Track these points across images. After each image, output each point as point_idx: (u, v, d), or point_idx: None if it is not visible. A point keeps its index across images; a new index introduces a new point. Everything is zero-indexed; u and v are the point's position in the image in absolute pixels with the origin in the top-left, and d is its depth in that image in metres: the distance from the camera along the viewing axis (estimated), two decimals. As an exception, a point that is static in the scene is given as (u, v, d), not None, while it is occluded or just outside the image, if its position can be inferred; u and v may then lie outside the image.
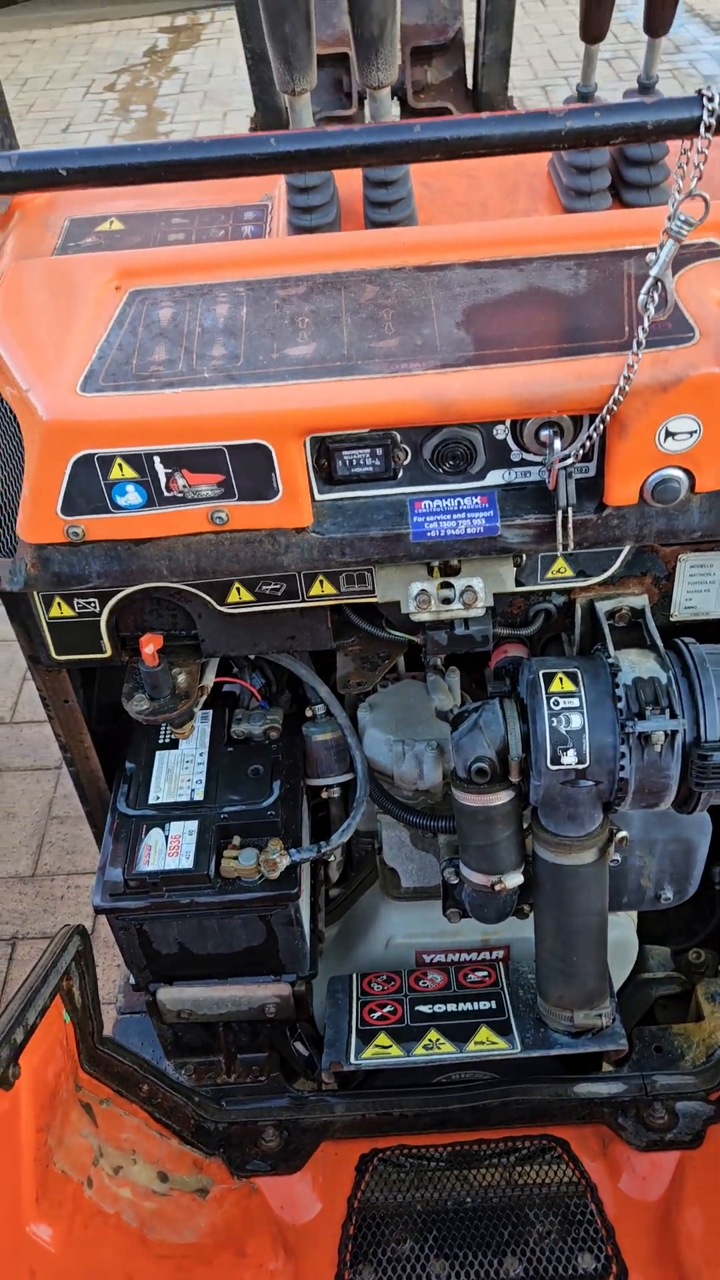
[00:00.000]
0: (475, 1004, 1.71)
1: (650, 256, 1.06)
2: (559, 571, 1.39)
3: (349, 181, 1.34)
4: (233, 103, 6.39)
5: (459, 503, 1.22)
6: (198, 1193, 1.80)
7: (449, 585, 1.32)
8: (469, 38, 2.45)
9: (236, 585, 1.35)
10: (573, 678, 1.40)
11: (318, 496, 1.22)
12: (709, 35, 6.47)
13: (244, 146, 0.99)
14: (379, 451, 1.19)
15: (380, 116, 1.23)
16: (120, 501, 1.17)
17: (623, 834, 1.50)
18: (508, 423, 1.18)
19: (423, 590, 1.31)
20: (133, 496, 1.17)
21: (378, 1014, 1.71)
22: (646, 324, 1.06)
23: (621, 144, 1.00)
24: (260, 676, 1.74)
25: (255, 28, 2.19)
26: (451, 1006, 1.71)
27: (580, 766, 1.37)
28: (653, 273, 1.06)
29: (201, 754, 1.71)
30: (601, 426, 1.12)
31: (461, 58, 2.51)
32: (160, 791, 1.66)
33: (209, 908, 1.57)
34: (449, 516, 1.21)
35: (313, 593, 1.37)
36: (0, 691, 3.41)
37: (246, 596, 1.36)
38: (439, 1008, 1.72)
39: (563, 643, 1.59)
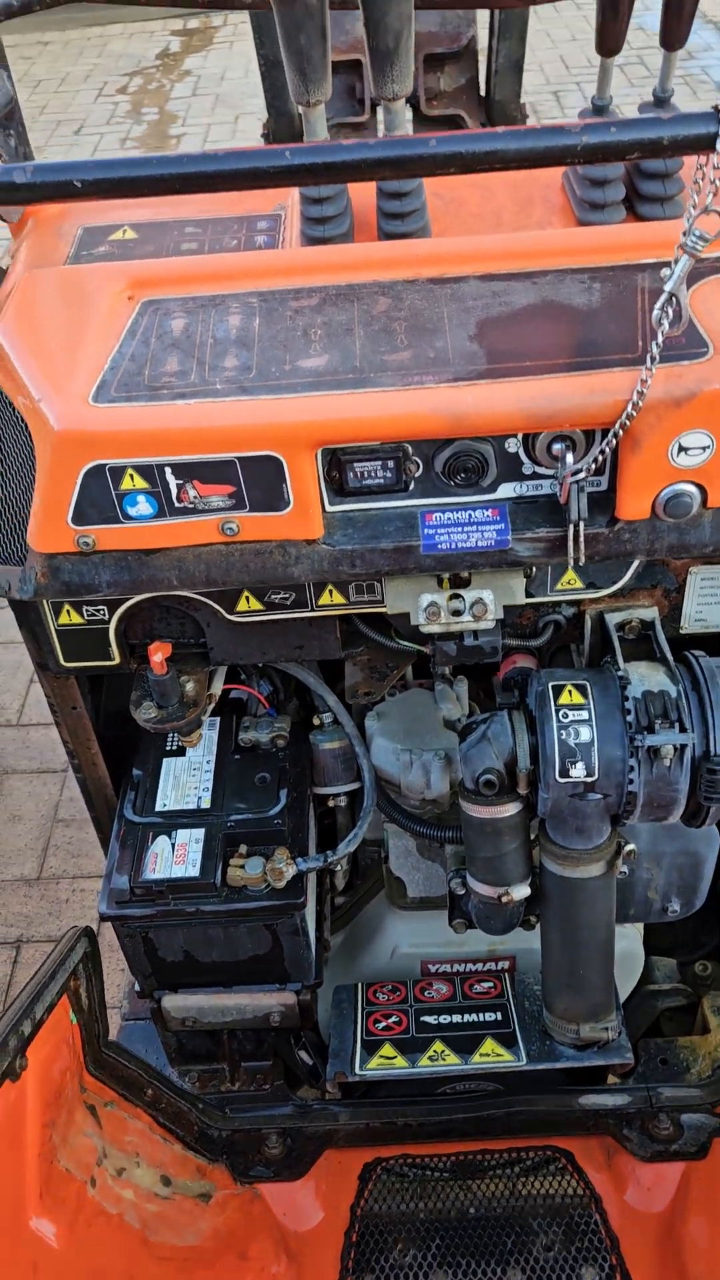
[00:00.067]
0: (480, 1015, 1.71)
1: (665, 272, 1.05)
2: (569, 583, 1.38)
3: (363, 191, 1.34)
4: (245, 106, 6.40)
5: (470, 515, 1.21)
6: (200, 1197, 1.80)
7: (459, 597, 1.32)
8: (482, 45, 2.45)
9: (245, 594, 1.35)
10: (582, 690, 1.40)
11: (328, 508, 1.22)
12: (722, 41, 6.47)
13: (259, 159, 0.99)
14: (390, 464, 1.19)
15: (395, 128, 1.23)
16: (131, 512, 1.17)
17: (630, 847, 1.50)
18: (520, 436, 1.18)
19: (432, 602, 1.31)
20: (144, 507, 1.17)
21: (383, 1024, 1.71)
22: (660, 339, 1.06)
23: (637, 160, 0.99)
24: (267, 683, 1.74)
25: (269, 34, 2.19)
26: (457, 1018, 1.71)
27: (589, 780, 1.37)
28: (667, 288, 1.05)
29: (208, 762, 1.71)
30: (614, 441, 1.12)
31: (474, 65, 2.52)
32: (167, 799, 1.66)
33: (215, 916, 1.57)
34: (460, 529, 1.21)
35: (322, 602, 1.36)
36: (7, 694, 3.41)
37: (255, 605, 1.36)
38: (444, 1019, 1.71)
39: (571, 653, 1.59)
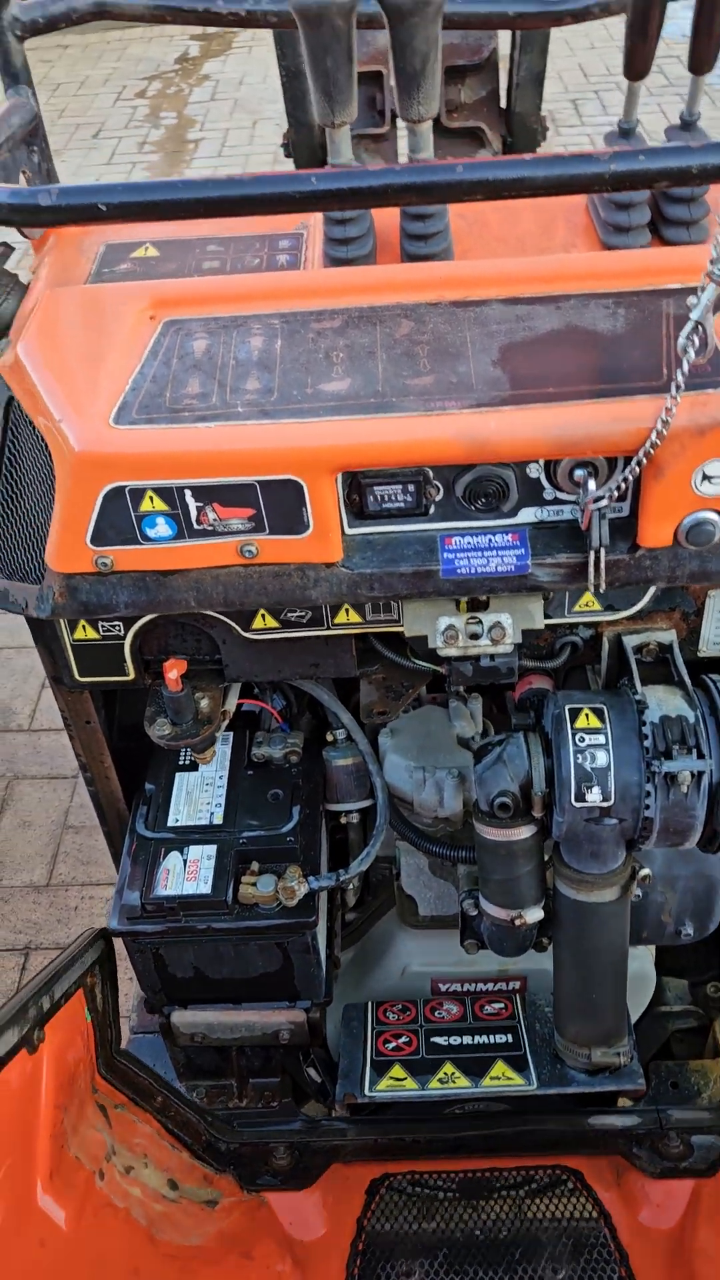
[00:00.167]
0: (491, 1037, 1.70)
1: (691, 300, 1.05)
2: (586, 605, 1.37)
3: (386, 211, 1.33)
4: (263, 111, 6.40)
5: (490, 540, 1.21)
6: (206, 1203, 1.80)
7: (477, 620, 1.31)
8: (503, 55, 2.45)
9: (261, 612, 1.34)
10: (599, 714, 1.39)
11: (348, 530, 1.22)
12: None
13: (285, 185, 0.98)
14: (411, 488, 1.18)
15: (420, 150, 1.23)
16: (150, 533, 1.17)
17: (645, 871, 1.49)
18: (541, 461, 1.17)
19: (450, 625, 1.30)
20: (163, 529, 1.16)
21: (393, 1045, 1.70)
22: (686, 367, 1.05)
23: (665, 188, 0.98)
24: (281, 698, 1.74)
25: (290, 45, 2.19)
26: (467, 1039, 1.70)
27: (605, 804, 1.36)
28: (693, 316, 1.04)
29: (221, 777, 1.70)
30: (637, 469, 1.11)
31: (495, 78, 2.51)
32: (179, 814, 1.65)
33: (226, 934, 1.56)
34: (480, 554, 1.20)
35: (338, 621, 1.36)
36: (19, 699, 3.42)
37: (271, 623, 1.36)
38: (454, 1040, 1.70)
39: (586, 674, 1.58)
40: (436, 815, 1.63)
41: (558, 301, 1.18)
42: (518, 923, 1.52)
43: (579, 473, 1.16)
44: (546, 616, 1.37)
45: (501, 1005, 1.76)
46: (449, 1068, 1.65)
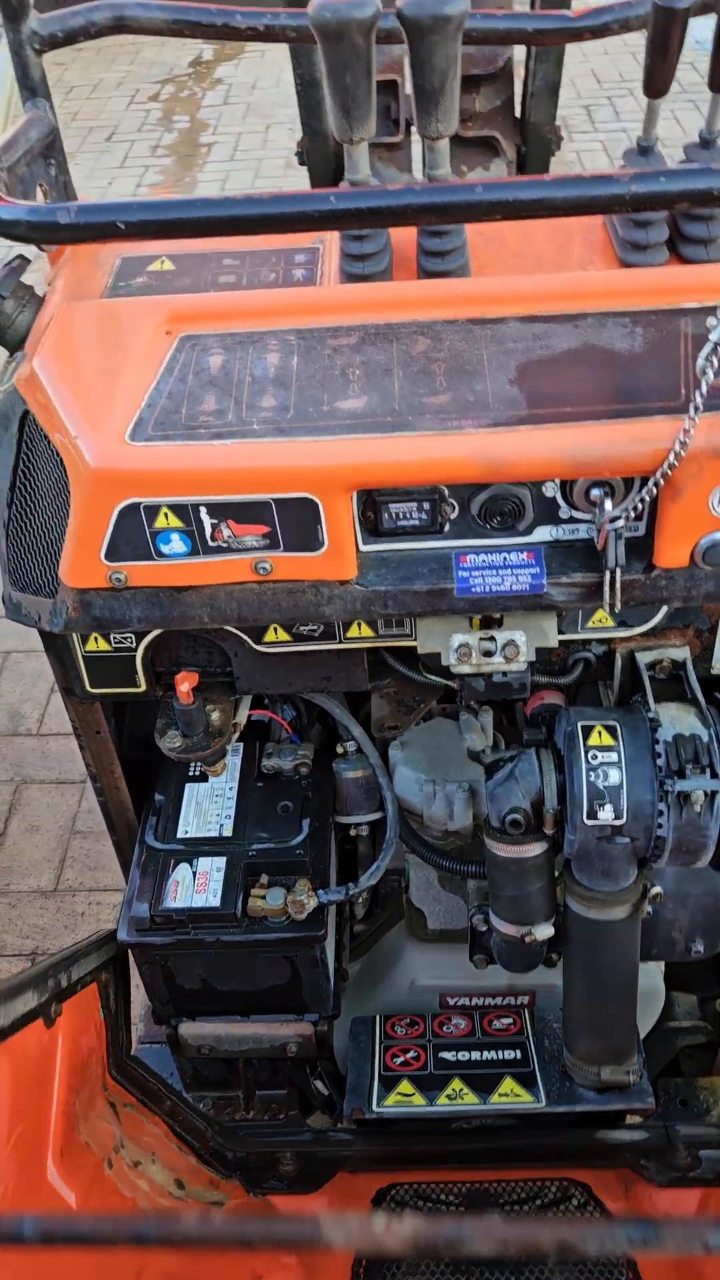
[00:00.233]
0: (500, 1053, 1.69)
1: (711, 321, 1.04)
2: (600, 621, 1.37)
3: (402, 227, 1.33)
4: (276, 115, 6.40)
5: (505, 558, 1.20)
6: (213, 1204, 1.80)
7: (491, 638, 1.30)
8: (518, 62, 2.44)
9: (274, 625, 1.34)
10: (612, 731, 1.38)
11: (362, 547, 1.21)
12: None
13: (304, 204, 0.98)
14: (426, 505, 1.18)
15: (437, 167, 1.22)
16: (164, 550, 1.17)
17: (656, 890, 1.48)
18: (557, 480, 1.17)
19: (464, 643, 1.30)
20: (177, 545, 1.16)
21: (401, 1059, 1.69)
22: (705, 388, 1.05)
23: (687, 209, 0.98)
24: (290, 708, 1.74)
25: (305, 54, 2.19)
26: (476, 1055, 1.70)
27: (617, 823, 1.35)
28: (712, 338, 1.04)
29: (231, 788, 1.70)
30: (655, 490, 1.11)
31: (510, 87, 2.50)
32: (189, 825, 1.65)
33: (234, 947, 1.56)
34: (494, 572, 1.20)
35: (350, 635, 1.36)
36: (28, 703, 3.42)
37: (283, 636, 1.36)
38: (463, 1055, 1.70)
39: (598, 688, 1.57)
40: (446, 829, 1.63)
41: (575, 320, 1.18)
42: (528, 939, 1.51)
43: (595, 492, 1.15)
44: (560, 633, 1.36)
45: (510, 1020, 1.75)
46: (457, 1084, 1.64)
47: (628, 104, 6.09)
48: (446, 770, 1.65)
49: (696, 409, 1.06)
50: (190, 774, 1.72)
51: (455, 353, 1.16)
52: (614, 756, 1.36)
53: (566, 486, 1.17)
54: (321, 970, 1.62)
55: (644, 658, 1.46)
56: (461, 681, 1.42)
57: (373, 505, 1.19)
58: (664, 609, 1.34)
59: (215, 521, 1.15)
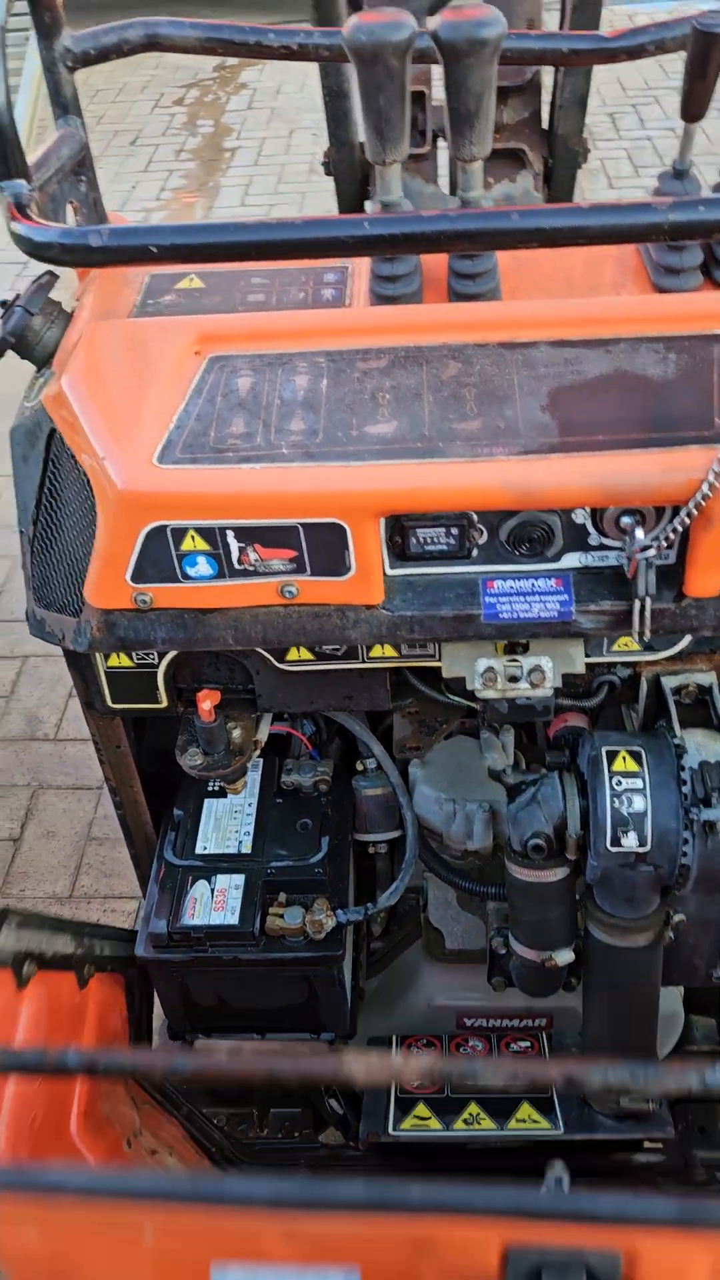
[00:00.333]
0: (517, 1077, 1.67)
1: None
2: (625, 645, 1.35)
3: None
4: (300, 121, 6.40)
5: (533, 585, 1.19)
6: None
7: (516, 663, 1.29)
8: (546, 77, 2.43)
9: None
10: (637, 757, 1.36)
11: (389, 571, 1.20)
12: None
13: (337, 229, 0.97)
14: (454, 531, 1.17)
15: (470, 188, 1.21)
16: (190, 572, 1.16)
17: (679, 917, 1.46)
18: (588, 508, 1.16)
19: (489, 667, 1.29)
20: (203, 568, 1.16)
21: (417, 1082, 1.68)
22: (739, 418, 1.03)
23: (725, 239, 0.97)
24: (310, 723, 1.73)
25: (334, 66, 2.18)
26: None
27: (641, 850, 1.34)
28: (748, 367, 1.02)
29: (250, 805, 1.69)
30: (687, 520, 1.09)
31: (538, 99, 2.49)
32: (208, 841, 1.65)
33: (252, 965, 1.55)
34: (522, 598, 1.19)
35: (373, 654, 1.35)
36: (46, 707, 3.42)
37: (306, 655, 1.35)
38: None
39: (621, 711, 1.56)
40: (466, 848, 1.61)
41: (607, 345, 1.17)
42: (548, 964, 1.50)
43: (626, 520, 1.14)
44: (585, 656, 1.35)
45: (528, 1043, 1.74)
46: (474, 1108, 1.63)
47: (653, 111, 6.06)
48: (467, 789, 1.64)
49: (731, 439, 1.04)
50: (209, 789, 1.71)
51: (486, 377, 1.15)
52: (638, 783, 1.34)
53: (597, 514, 1.16)
54: (339, 990, 1.61)
55: (669, 682, 1.44)
56: (485, 703, 1.41)
57: (400, 529, 1.18)
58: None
59: (242, 545, 1.14)
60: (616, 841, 1.33)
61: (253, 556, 1.15)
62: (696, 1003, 1.97)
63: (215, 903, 1.57)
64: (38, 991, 1.36)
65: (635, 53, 1.30)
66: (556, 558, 1.20)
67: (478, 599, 1.19)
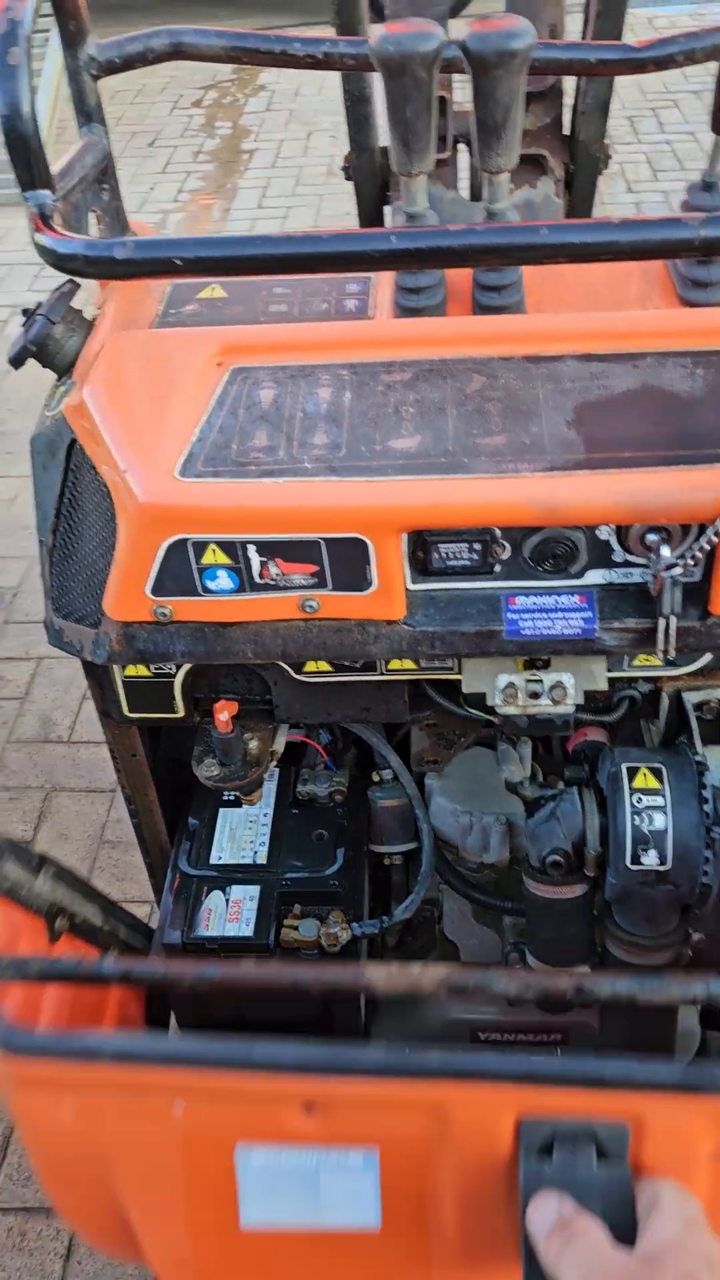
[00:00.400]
0: (532, 1093, 1.66)
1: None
2: (646, 660, 1.34)
3: None
4: (318, 123, 6.40)
5: (556, 601, 1.18)
6: None
7: (538, 680, 1.28)
8: (567, 83, 2.41)
9: None
10: (657, 774, 1.35)
11: (410, 586, 1.19)
12: None
13: (364, 243, 0.96)
14: (477, 546, 1.16)
15: (497, 200, 1.20)
16: (211, 586, 1.15)
17: (699, 936, 1.45)
18: (613, 525, 1.14)
19: (510, 683, 1.28)
20: (224, 581, 1.15)
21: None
22: (769, 435, 1.02)
23: (758, 254, 0.95)
24: (326, 733, 1.72)
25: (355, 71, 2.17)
26: None
27: (661, 869, 1.32)
28: (779, 384, 1.01)
29: (265, 814, 1.69)
30: (715, 538, 1.08)
31: (559, 105, 2.48)
32: (223, 851, 1.64)
33: None
34: (545, 615, 1.18)
35: (392, 667, 1.34)
36: (59, 709, 3.42)
37: (324, 666, 1.34)
38: None
39: (640, 725, 1.55)
40: (482, 861, 1.60)
41: (634, 359, 1.15)
42: (565, 981, 1.48)
43: (651, 537, 1.13)
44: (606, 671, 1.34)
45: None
46: None
47: (672, 116, 6.03)
48: (483, 801, 1.62)
49: (760, 456, 1.03)
50: (225, 798, 1.70)
51: (511, 392, 1.14)
52: (659, 800, 1.33)
53: (622, 530, 1.15)
54: (354, 1003, 1.60)
55: (691, 698, 1.43)
56: (504, 718, 1.40)
57: (423, 545, 1.17)
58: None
59: (264, 559, 1.13)
60: (636, 859, 1.32)
61: (274, 571, 1.14)
62: (714, 1020, 1.95)
63: (230, 914, 1.57)
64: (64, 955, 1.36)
65: (663, 63, 1.29)
66: (580, 574, 1.19)
67: (500, 615, 1.18)
